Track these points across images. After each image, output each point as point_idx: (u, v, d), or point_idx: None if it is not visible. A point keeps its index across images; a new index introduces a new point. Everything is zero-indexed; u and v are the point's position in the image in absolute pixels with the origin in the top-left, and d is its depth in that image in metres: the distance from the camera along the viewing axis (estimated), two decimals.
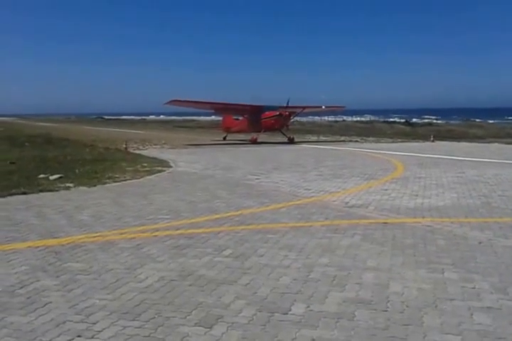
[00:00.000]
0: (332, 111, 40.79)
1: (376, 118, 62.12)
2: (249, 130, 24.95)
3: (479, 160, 14.53)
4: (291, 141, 23.89)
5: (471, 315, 3.42)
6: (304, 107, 25.42)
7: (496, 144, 22.20)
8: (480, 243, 5.27)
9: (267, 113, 23.58)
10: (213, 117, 51.20)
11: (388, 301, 3.65)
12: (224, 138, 26.90)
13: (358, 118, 60.41)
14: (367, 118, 63.78)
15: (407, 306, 3.57)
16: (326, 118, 58.33)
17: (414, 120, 53.65)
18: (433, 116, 70.55)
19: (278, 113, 23.08)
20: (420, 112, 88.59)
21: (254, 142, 23.52)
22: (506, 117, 64.06)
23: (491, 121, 49.11)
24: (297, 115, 26.10)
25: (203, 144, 23.15)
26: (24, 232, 5.83)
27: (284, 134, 24.53)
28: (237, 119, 26.83)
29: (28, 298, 3.77)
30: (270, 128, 24.10)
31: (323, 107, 27.16)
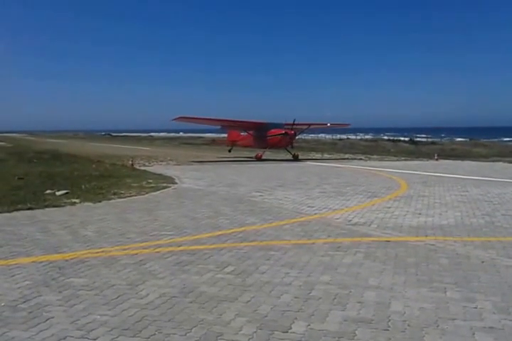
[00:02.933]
0: (337, 128, 40.93)
1: (379, 137, 62.99)
2: (254, 146, 25.41)
3: (483, 178, 14.49)
4: (295, 158, 24.05)
5: (473, 334, 3.40)
6: (309, 124, 25.68)
7: (501, 163, 22.12)
8: (483, 262, 5.25)
9: (272, 130, 23.83)
10: (218, 135, 51.85)
11: (389, 320, 3.64)
12: (229, 151, 27.57)
13: (362, 136, 61.21)
14: (360, 136, 64.71)
15: (408, 325, 3.55)
16: (327, 135, 58.87)
17: (402, 138, 54.15)
18: (423, 134, 72.21)
19: (284, 132, 23.33)
20: (410, 131, 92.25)
21: (259, 159, 23.73)
22: (499, 138, 64.01)
23: (484, 140, 49.76)
24: (303, 132, 26.28)
25: (208, 161, 23.27)
26: (29, 247, 5.88)
27: (288, 151, 24.72)
28: (243, 133, 27.18)
29: (30, 312, 3.79)
30: (275, 146, 24.40)
31: (329, 124, 27.34)
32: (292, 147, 24.87)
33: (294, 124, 23.43)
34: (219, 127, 27.76)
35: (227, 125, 25.98)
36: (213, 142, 35.12)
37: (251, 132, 25.03)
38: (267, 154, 24.66)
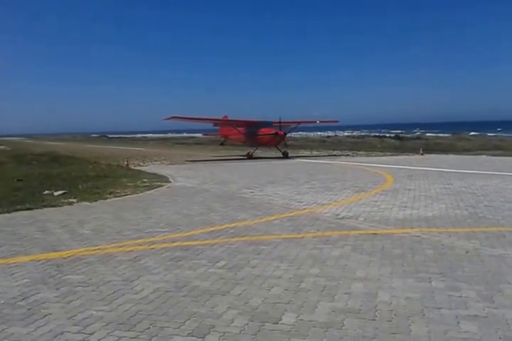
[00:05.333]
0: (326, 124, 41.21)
1: (366, 133, 64.02)
2: (245, 143, 25.90)
3: (467, 171, 14.73)
4: (285, 156, 24.29)
5: (458, 323, 3.48)
6: (299, 122, 25.99)
7: (484, 156, 22.50)
8: (467, 252, 5.38)
9: (263, 129, 24.07)
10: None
11: (376, 310, 3.73)
12: (221, 144, 29.04)
13: (350, 133, 62.00)
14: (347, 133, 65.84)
15: (395, 315, 3.64)
16: (314, 133, 59.37)
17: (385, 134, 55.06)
18: (398, 130, 73.95)
19: (274, 132, 23.59)
20: (383, 127, 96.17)
21: (249, 157, 24.00)
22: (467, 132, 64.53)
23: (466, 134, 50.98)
24: (293, 129, 26.54)
25: (201, 160, 23.38)
26: (27, 246, 5.97)
27: (278, 149, 24.97)
28: (235, 128, 27.55)
29: (28, 309, 3.88)
30: (266, 145, 24.73)
31: (318, 122, 27.59)
32: (286, 145, 25.28)
33: (283, 121, 23.76)
34: (211, 125, 28.07)
35: (220, 123, 26.57)
36: (206, 134, 35.74)
37: (242, 129, 25.25)
38: (258, 152, 24.96)
